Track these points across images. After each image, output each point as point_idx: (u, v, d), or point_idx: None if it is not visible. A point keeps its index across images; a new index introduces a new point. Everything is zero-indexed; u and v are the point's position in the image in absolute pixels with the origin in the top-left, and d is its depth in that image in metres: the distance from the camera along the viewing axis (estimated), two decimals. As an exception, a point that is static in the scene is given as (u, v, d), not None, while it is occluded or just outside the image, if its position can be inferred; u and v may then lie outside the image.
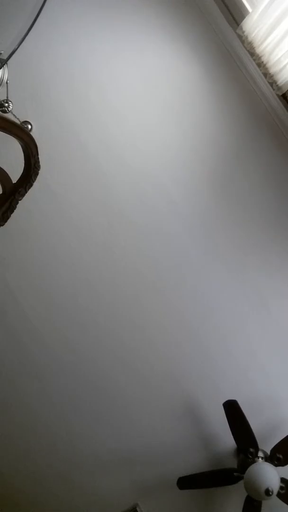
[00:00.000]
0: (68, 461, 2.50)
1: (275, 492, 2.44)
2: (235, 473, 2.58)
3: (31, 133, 2.03)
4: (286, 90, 2.40)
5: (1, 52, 1.81)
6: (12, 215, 1.97)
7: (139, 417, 2.69)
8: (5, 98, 2.05)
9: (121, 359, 2.57)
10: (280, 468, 2.55)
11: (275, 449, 2.58)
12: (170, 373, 2.68)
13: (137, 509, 2.73)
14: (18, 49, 1.93)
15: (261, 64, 2.34)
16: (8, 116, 2.00)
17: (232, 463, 2.71)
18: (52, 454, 2.48)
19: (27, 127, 2.16)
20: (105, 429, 2.57)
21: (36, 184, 2.04)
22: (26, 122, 2.19)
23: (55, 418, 2.48)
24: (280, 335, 2.81)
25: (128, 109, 2.57)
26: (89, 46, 2.48)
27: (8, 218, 1.84)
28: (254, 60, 2.39)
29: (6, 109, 2.02)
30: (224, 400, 2.53)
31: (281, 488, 2.50)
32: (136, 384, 2.62)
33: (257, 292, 2.78)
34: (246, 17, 2.29)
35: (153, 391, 2.66)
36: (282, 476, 2.53)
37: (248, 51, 2.39)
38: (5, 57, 1.83)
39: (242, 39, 2.35)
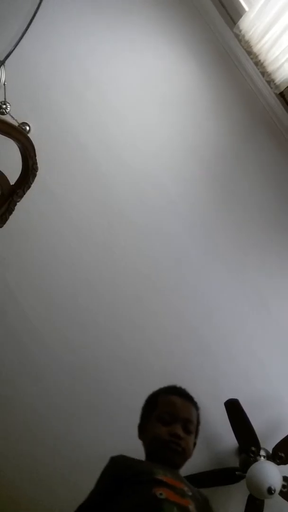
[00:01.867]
0: (69, 461, 2.50)
1: (278, 490, 2.44)
2: (237, 472, 2.58)
3: (30, 134, 2.04)
4: (284, 88, 2.40)
5: (-2, 53, 1.82)
6: (12, 216, 1.98)
7: (141, 417, 2.69)
8: (3, 99, 2.06)
9: (122, 359, 2.57)
10: (282, 466, 2.55)
11: (277, 447, 2.58)
12: (171, 373, 2.68)
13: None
14: (16, 50, 1.95)
15: (258, 63, 2.35)
16: (6, 117, 2.02)
17: (234, 462, 2.70)
18: (53, 454, 2.49)
19: (25, 129, 2.16)
20: (106, 429, 2.57)
21: (35, 185, 2.05)
22: (24, 124, 2.20)
23: (56, 418, 2.48)
24: (280, 335, 2.81)
25: (128, 109, 2.57)
26: (88, 46, 2.48)
27: (6, 219, 1.86)
28: (252, 59, 2.40)
29: (4, 110, 2.03)
30: (225, 400, 2.52)
31: (283, 486, 2.50)
32: (137, 383, 2.61)
33: (257, 292, 2.78)
34: (243, 16, 2.30)
35: (154, 390, 2.66)
36: (284, 475, 2.53)
37: (245, 50, 2.40)
38: (2, 58, 1.84)
39: (239, 38, 2.36)
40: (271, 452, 2.60)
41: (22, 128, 2.07)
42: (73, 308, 2.52)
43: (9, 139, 1.73)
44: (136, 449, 2.63)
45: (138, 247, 2.62)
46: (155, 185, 2.63)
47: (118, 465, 1.29)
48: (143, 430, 1.45)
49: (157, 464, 1.29)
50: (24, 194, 1.87)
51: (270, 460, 2.56)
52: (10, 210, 1.83)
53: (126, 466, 1.26)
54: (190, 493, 1.20)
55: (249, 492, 2.50)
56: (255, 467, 2.50)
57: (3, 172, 1.81)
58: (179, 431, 1.35)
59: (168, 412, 1.39)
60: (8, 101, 2.07)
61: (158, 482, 1.16)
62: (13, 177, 1.91)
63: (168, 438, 1.33)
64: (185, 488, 1.21)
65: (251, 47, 2.33)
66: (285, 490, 2.51)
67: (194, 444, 1.44)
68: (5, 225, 1.97)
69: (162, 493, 1.12)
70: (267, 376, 2.78)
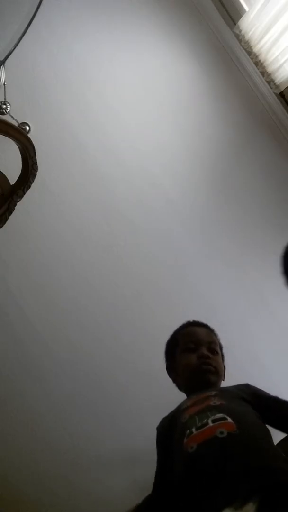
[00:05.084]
0: (69, 461, 2.50)
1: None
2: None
3: (30, 134, 2.04)
4: (284, 88, 2.41)
5: (-2, 53, 1.82)
6: (11, 216, 1.98)
7: (141, 416, 2.68)
8: (3, 99, 2.05)
9: (122, 359, 2.57)
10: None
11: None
12: (172, 372, 2.68)
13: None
14: (16, 50, 1.94)
15: (258, 63, 2.36)
16: (6, 118, 2.01)
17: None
18: (54, 455, 2.48)
19: (25, 129, 2.16)
20: (107, 429, 2.57)
21: (34, 185, 2.05)
22: (24, 124, 2.20)
23: (57, 419, 2.48)
24: (281, 335, 2.81)
25: (127, 109, 2.58)
26: (88, 46, 2.48)
27: (6, 219, 1.86)
28: (252, 59, 2.40)
29: (4, 110, 2.02)
30: (225, 399, 2.52)
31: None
32: (137, 383, 2.62)
33: (257, 292, 2.77)
34: (243, 16, 2.30)
35: (154, 390, 2.66)
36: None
37: (245, 50, 2.40)
38: (2, 58, 1.84)
39: (239, 38, 2.36)
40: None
41: (22, 128, 2.07)
42: (73, 308, 2.51)
43: (9, 139, 1.73)
44: (136, 449, 2.64)
45: (137, 247, 2.62)
46: (154, 185, 2.64)
47: (159, 432, 1.35)
48: (172, 369, 1.51)
49: (191, 396, 1.31)
50: (24, 194, 1.87)
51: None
52: (10, 210, 1.83)
53: (163, 426, 1.32)
54: (214, 392, 1.22)
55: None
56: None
57: (3, 172, 1.81)
58: (206, 352, 1.40)
59: (190, 341, 1.46)
60: (8, 101, 2.07)
61: (184, 411, 1.19)
62: (13, 177, 1.91)
63: (199, 361, 1.38)
64: (208, 393, 1.22)
65: (251, 47, 2.33)
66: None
67: (224, 367, 1.49)
68: (4, 225, 1.97)
69: (186, 416, 1.15)
70: (269, 375, 2.78)
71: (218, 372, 1.41)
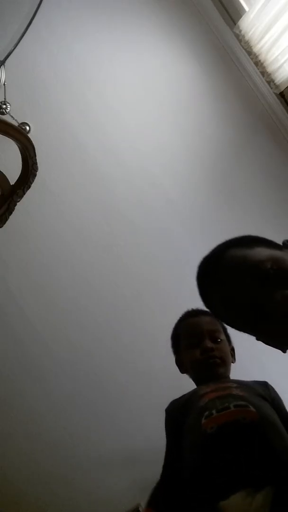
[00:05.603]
0: (69, 461, 2.50)
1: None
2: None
3: (30, 134, 2.04)
4: (284, 88, 2.41)
5: (-2, 53, 1.82)
6: (11, 216, 1.98)
7: (141, 416, 2.68)
8: (3, 99, 2.06)
9: (122, 359, 2.57)
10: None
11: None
12: (172, 373, 2.67)
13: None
14: (16, 50, 1.94)
15: (258, 63, 2.36)
16: (6, 118, 2.02)
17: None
18: (53, 454, 2.48)
19: (25, 129, 2.16)
20: (107, 429, 2.56)
21: (34, 185, 2.05)
22: (24, 124, 2.20)
23: (57, 419, 2.48)
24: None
25: (127, 109, 2.58)
26: (88, 46, 2.48)
27: (6, 219, 1.86)
28: (252, 59, 2.40)
29: (4, 110, 2.02)
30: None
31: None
32: (137, 384, 2.62)
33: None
34: (243, 16, 2.30)
35: (154, 390, 2.66)
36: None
37: (245, 50, 2.40)
38: (2, 58, 1.84)
39: (239, 38, 2.36)
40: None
41: (22, 128, 2.07)
42: (73, 308, 2.51)
43: (9, 139, 1.73)
44: (136, 449, 2.63)
45: (137, 247, 2.62)
46: (154, 185, 2.63)
47: (171, 412, 1.36)
48: (181, 364, 1.54)
49: (206, 383, 1.32)
50: (24, 194, 1.87)
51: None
52: (10, 210, 1.83)
53: (176, 408, 1.33)
54: (235, 385, 1.25)
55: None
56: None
57: (3, 172, 1.81)
58: (209, 344, 1.40)
59: (191, 335, 1.46)
60: (8, 101, 2.07)
61: (203, 396, 1.21)
62: (13, 177, 1.91)
63: (203, 357, 1.38)
64: (229, 383, 1.26)
65: (251, 47, 2.34)
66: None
67: (232, 349, 1.51)
68: (4, 225, 1.97)
69: (205, 399, 1.17)
70: (269, 374, 2.77)
71: (225, 362, 1.42)
